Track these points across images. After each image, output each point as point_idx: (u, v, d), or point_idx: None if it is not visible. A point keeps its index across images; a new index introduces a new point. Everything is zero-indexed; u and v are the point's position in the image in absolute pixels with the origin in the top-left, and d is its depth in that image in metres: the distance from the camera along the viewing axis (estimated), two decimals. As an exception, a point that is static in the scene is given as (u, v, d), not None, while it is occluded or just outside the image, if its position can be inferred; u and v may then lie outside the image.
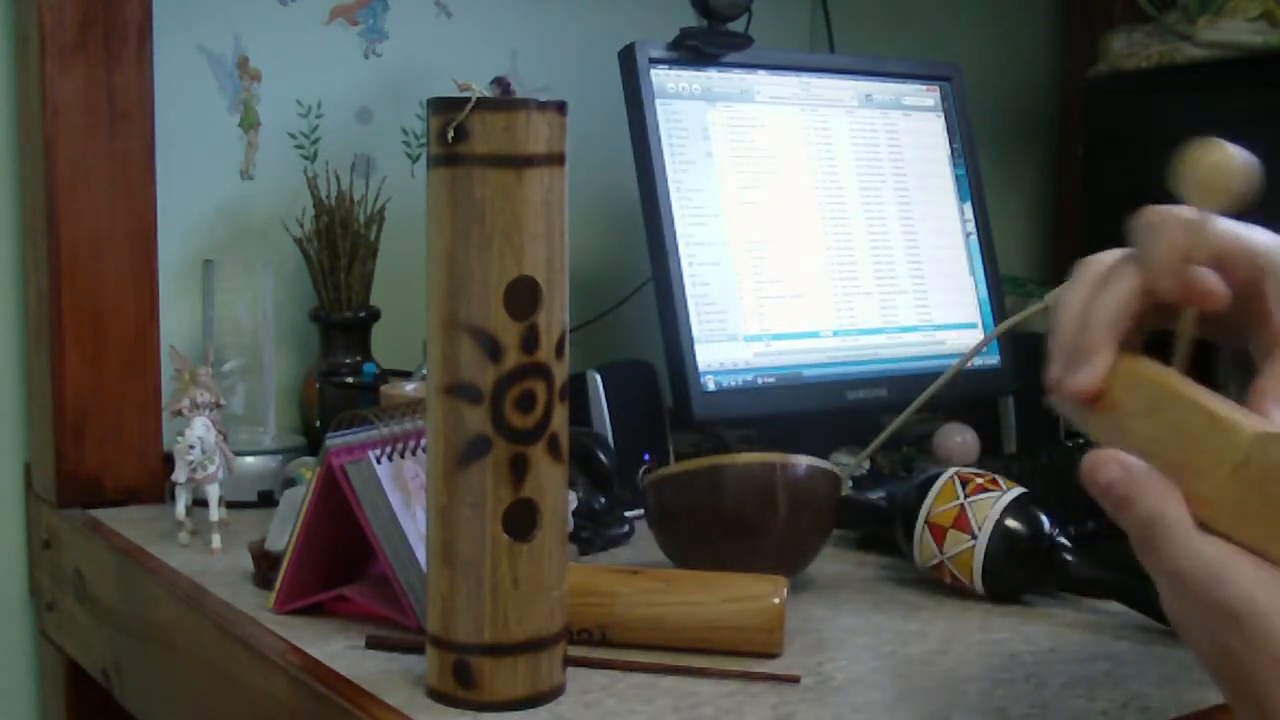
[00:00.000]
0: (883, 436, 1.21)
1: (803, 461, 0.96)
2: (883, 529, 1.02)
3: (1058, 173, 1.91)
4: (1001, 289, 1.45)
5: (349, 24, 1.40)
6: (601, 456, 1.13)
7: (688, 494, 0.95)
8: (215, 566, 1.02)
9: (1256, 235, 0.64)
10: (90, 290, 1.18)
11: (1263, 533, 0.54)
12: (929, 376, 1.23)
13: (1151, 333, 0.65)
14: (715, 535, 0.94)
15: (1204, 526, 0.55)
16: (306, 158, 1.38)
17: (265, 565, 0.96)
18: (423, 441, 0.86)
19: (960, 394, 1.32)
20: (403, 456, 0.87)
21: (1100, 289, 0.62)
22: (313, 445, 1.27)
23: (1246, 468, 0.54)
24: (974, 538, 0.93)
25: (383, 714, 0.75)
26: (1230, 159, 0.63)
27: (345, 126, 1.40)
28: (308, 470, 1.05)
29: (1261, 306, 0.63)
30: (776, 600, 0.83)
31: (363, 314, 1.31)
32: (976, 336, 1.41)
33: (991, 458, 1.30)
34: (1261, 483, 0.54)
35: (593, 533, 1.07)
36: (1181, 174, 0.62)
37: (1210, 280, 0.61)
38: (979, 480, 0.95)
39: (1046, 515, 0.94)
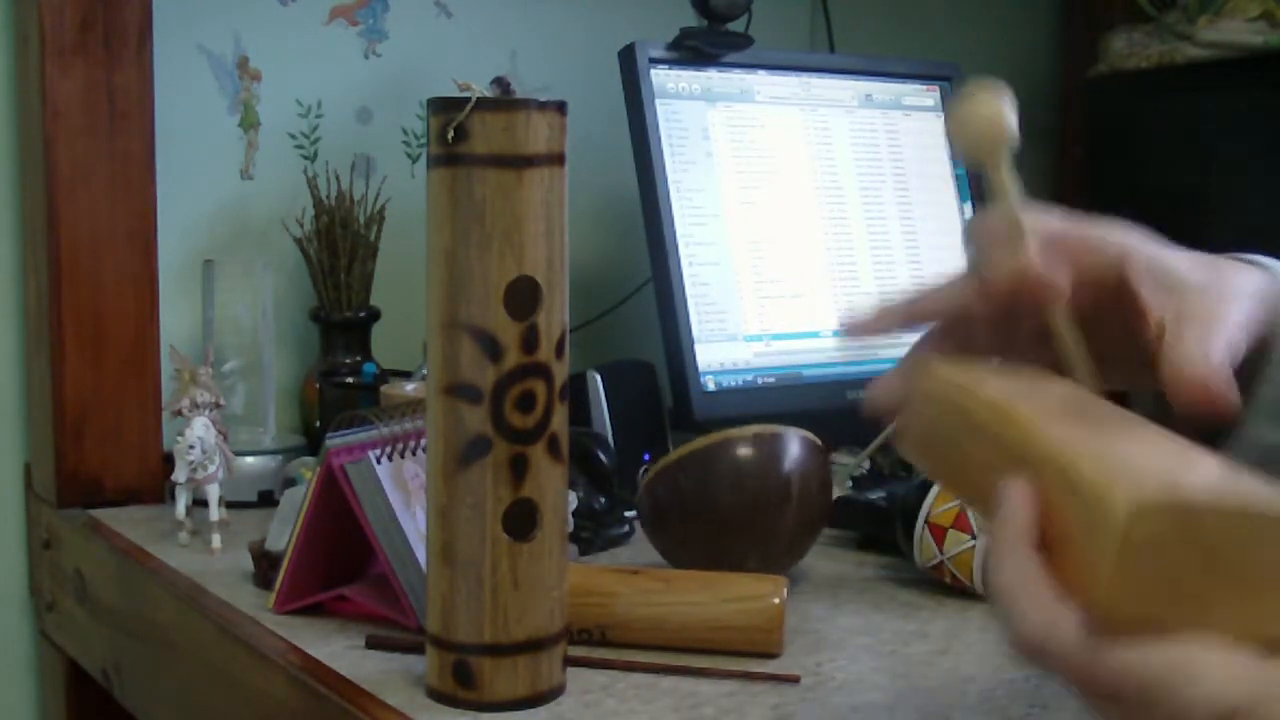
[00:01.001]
0: (883, 436, 1.21)
1: (782, 432, 0.96)
2: (883, 529, 1.02)
3: (1058, 173, 1.91)
4: (1001, 289, 1.45)
5: (349, 24, 1.40)
6: (601, 456, 1.13)
7: (676, 488, 0.95)
8: (215, 566, 1.02)
9: (1103, 227, 0.62)
10: (90, 290, 1.18)
11: (1160, 608, 0.46)
12: (929, 376, 1.23)
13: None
14: (709, 525, 0.94)
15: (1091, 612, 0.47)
16: (306, 158, 1.38)
17: (265, 565, 0.96)
18: (423, 441, 0.86)
19: (960, 394, 1.31)
20: (403, 456, 0.87)
21: (929, 293, 0.62)
22: (313, 445, 1.27)
23: (1129, 547, 0.45)
24: (974, 538, 0.93)
25: (383, 714, 0.75)
26: (1001, 108, 0.60)
27: (345, 126, 1.40)
28: (308, 470, 1.05)
29: (1130, 292, 0.60)
30: (776, 600, 0.83)
31: (363, 314, 1.31)
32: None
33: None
34: (1152, 558, 0.45)
35: (593, 533, 1.07)
36: (955, 131, 0.60)
37: (1041, 270, 0.58)
38: (979, 480, 0.95)
39: (1046, 515, 0.93)
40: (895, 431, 0.64)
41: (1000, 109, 0.59)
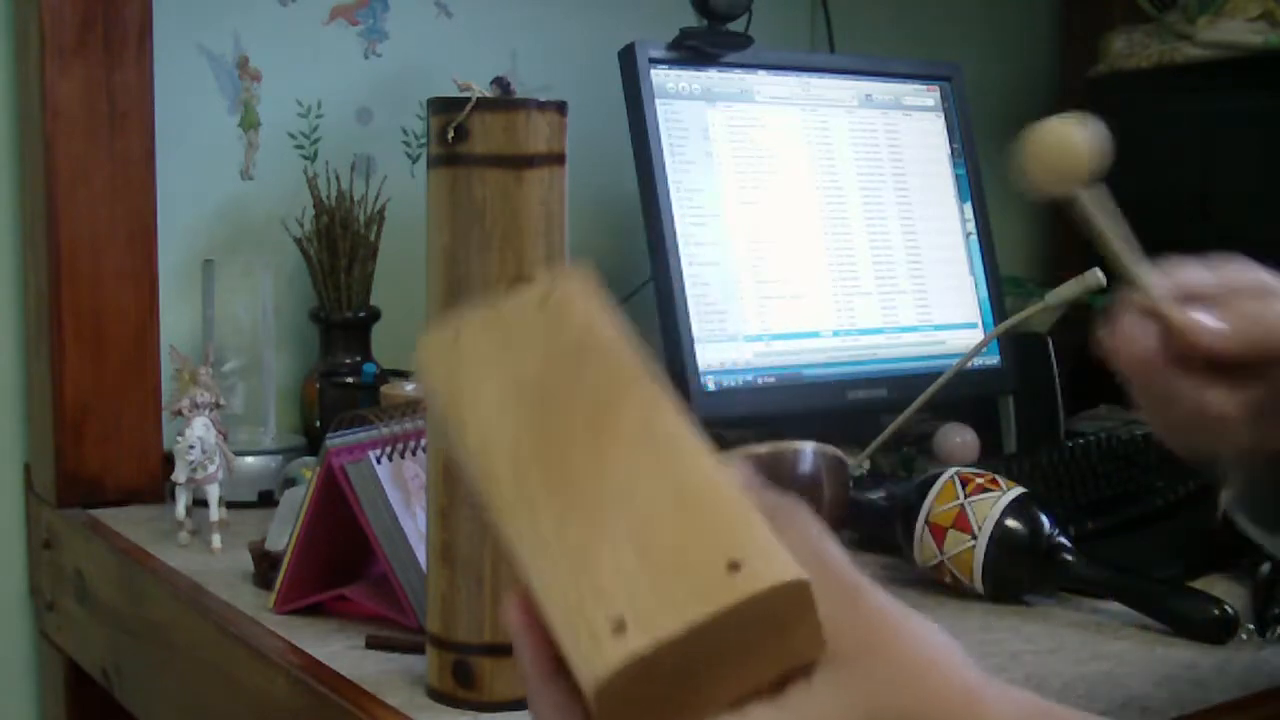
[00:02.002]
0: (883, 436, 1.21)
1: (808, 448, 0.96)
2: (883, 529, 1.02)
3: (1058, 173, 1.91)
4: (1001, 289, 1.45)
5: (349, 24, 1.40)
6: (601, 456, 1.13)
7: None
8: (215, 566, 1.02)
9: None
10: (90, 290, 1.18)
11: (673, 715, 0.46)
12: (929, 376, 1.23)
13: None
14: None
15: None
16: (306, 158, 1.38)
17: (265, 565, 0.96)
18: (423, 441, 0.86)
19: (960, 394, 1.32)
20: (403, 456, 0.87)
21: None
22: (313, 445, 1.27)
23: (608, 712, 0.44)
24: (974, 538, 0.93)
25: (383, 714, 0.75)
26: (1073, 138, 0.58)
27: (345, 126, 1.40)
28: (308, 470, 1.05)
29: None
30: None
31: (363, 314, 1.31)
32: (976, 336, 1.41)
33: (991, 458, 1.30)
34: (636, 702, 0.45)
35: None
36: (1026, 157, 0.58)
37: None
38: (979, 480, 0.95)
39: (1046, 515, 0.94)
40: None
41: (1074, 137, 0.57)
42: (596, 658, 0.44)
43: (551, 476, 0.51)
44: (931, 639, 0.49)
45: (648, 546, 0.47)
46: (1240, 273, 0.63)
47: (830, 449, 0.96)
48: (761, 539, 0.47)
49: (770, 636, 0.46)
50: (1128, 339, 0.63)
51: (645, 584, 0.46)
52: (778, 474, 0.94)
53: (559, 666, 0.47)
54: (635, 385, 0.54)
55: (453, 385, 0.57)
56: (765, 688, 0.46)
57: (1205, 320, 0.61)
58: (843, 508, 0.98)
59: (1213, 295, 0.62)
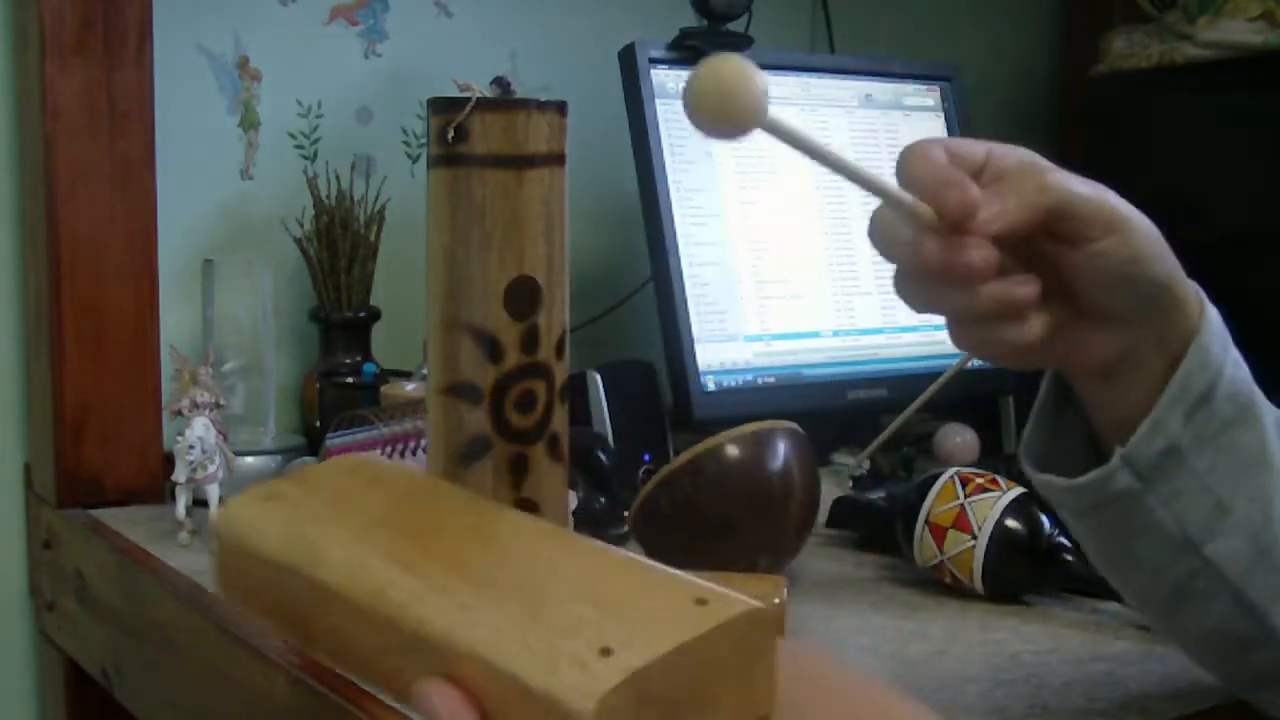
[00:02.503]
0: (883, 436, 1.21)
1: (762, 430, 0.96)
2: (883, 529, 1.02)
3: (1058, 173, 1.91)
4: (1001, 289, 1.45)
5: (349, 24, 1.40)
6: (601, 456, 1.13)
7: (661, 510, 0.95)
8: (215, 566, 1.02)
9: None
10: (90, 290, 1.18)
11: None
12: (929, 376, 1.23)
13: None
14: (705, 538, 0.94)
15: None
16: (306, 158, 1.38)
17: (265, 565, 0.96)
18: (423, 441, 0.86)
19: (960, 394, 1.32)
20: (402, 456, 0.87)
21: None
22: (313, 445, 1.27)
23: None
24: (974, 538, 0.93)
25: (383, 714, 0.75)
26: (736, 79, 0.54)
27: (345, 126, 1.40)
28: (308, 470, 1.05)
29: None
30: (776, 600, 0.83)
31: (363, 314, 1.31)
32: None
33: (991, 458, 1.30)
34: None
35: (592, 533, 1.07)
36: (695, 108, 0.54)
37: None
38: (979, 480, 0.95)
39: (1046, 515, 0.94)
40: (219, 583, 0.59)
41: (736, 77, 0.53)
42: (588, 681, 0.43)
43: (455, 569, 0.50)
44: (869, 682, 0.50)
45: (601, 600, 0.47)
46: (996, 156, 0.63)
47: (788, 424, 0.97)
48: (712, 587, 0.47)
49: (738, 675, 0.46)
50: (882, 234, 0.64)
51: (615, 623, 0.46)
52: (751, 459, 0.94)
53: None
54: (495, 506, 0.56)
55: (290, 530, 0.56)
56: None
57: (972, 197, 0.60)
58: (816, 481, 0.98)
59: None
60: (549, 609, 0.47)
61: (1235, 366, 0.67)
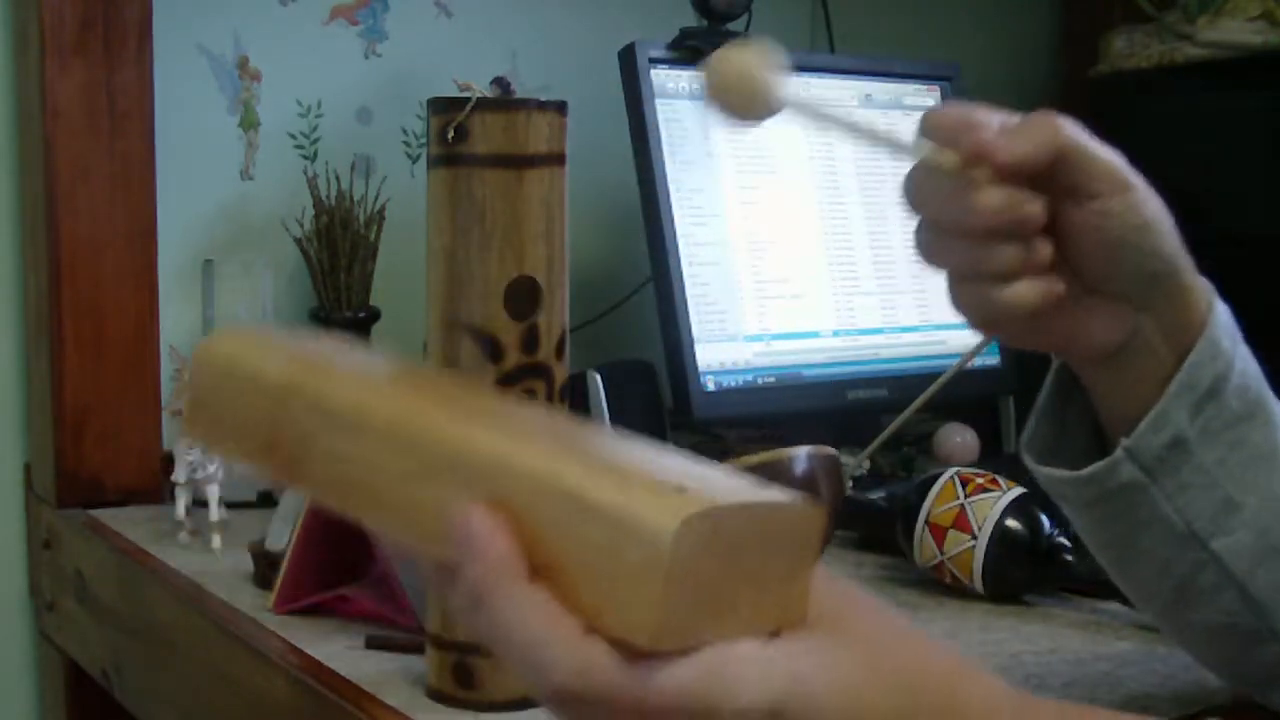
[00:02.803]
0: (882, 436, 1.21)
1: (802, 452, 0.95)
2: (883, 529, 1.02)
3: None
4: (1001, 289, 1.45)
5: (349, 24, 1.40)
6: (601, 456, 1.13)
7: None
8: (215, 566, 1.02)
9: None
10: (90, 290, 1.18)
11: (696, 621, 0.42)
12: (929, 376, 1.23)
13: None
14: None
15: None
16: (306, 158, 1.38)
17: (265, 565, 0.96)
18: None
19: (960, 394, 1.32)
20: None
21: None
22: (313, 445, 1.26)
23: (674, 573, 0.40)
24: (974, 538, 0.93)
25: (383, 714, 0.75)
26: (753, 65, 0.56)
27: (345, 126, 1.40)
28: (308, 470, 1.05)
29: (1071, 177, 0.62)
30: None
31: (363, 314, 1.31)
32: (977, 336, 1.40)
33: (991, 458, 1.30)
34: (692, 573, 0.41)
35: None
36: (710, 84, 0.56)
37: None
38: (979, 480, 0.95)
39: (1046, 515, 0.94)
40: (186, 414, 0.55)
41: (753, 64, 0.55)
42: (667, 503, 0.40)
43: (489, 411, 0.47)
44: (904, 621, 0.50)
45: (655, 460, 0.44)
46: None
47: (825, 450, 0.96)
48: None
49: (786, 568, 0.45)
50: (919, 188, 0.63)
51: (680, 472, 0.43)
52: (774, 480, 0.94)
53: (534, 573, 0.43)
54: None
55: (293, 355, 0.52)
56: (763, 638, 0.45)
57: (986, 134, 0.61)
58: (839, 507, 0.97)
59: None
60: (603, 454, 0.44)
61: (1245, 362, 0.67)
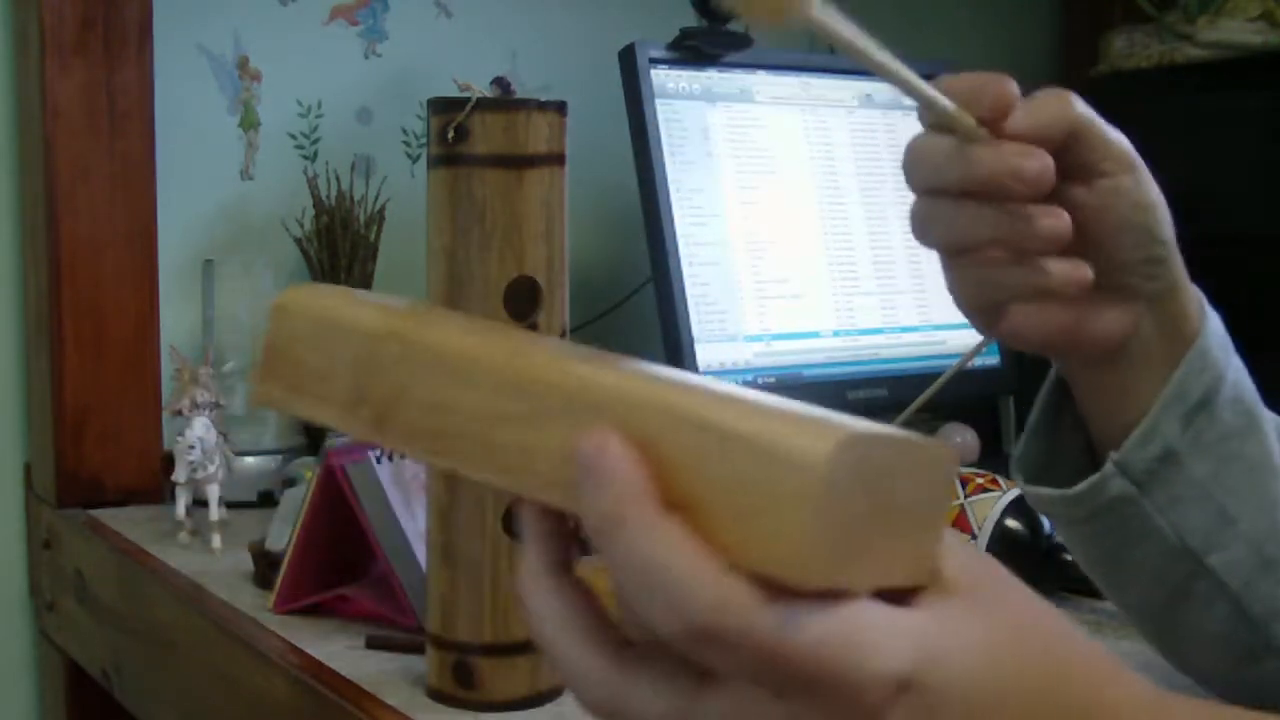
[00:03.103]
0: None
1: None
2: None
3: (1058, 173, 1.91)
4: (1001, 289, 1.45)
5: (349, 24, 1.40)
6: (601, 456, 1.13)
7: None
8: (215, 566, 1.02)
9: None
10: (90, 290, 1.18)
11: (839, 565, 0.39)
12: (929, 376, 1.23)
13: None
14: None
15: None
16: (306, 158, 1.38)
17: (265, 565, 0.96)
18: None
19: (960, 394, 1.32)
20: (403, 456, 0.87)
21: None
22: (313, 445, 1.27)
23: (827, 502, 0.37)
24: (974, 538, 0.93)
25: (383, 714, 0.75)
26: None
27: (345, 126, 1.40)
28: (308, 470, 1.05)
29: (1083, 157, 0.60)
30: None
31: (363, 314, 1.31)
32: (976, 336, 1.40)
33: (991, 458, 1.30)
34: (842, 506, 0.38)
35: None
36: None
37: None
38: (979, 480, 0.95)
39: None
40: (260, 368, 0.51)
41: None
42: (819, 434, 0.37)
43: (594, 360, 0.43)
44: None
45: (771, 400, 0.41)
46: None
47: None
48: None
49: (923, 516, 0.41)
50: (921, 152, 0.61)
51: (805, 409, 0.40)
52: None
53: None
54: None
55: (383, 304, 0.50)
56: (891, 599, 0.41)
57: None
58: None
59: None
60: (719, 387, 0.41)
61: (1238, 374, 0.66)
